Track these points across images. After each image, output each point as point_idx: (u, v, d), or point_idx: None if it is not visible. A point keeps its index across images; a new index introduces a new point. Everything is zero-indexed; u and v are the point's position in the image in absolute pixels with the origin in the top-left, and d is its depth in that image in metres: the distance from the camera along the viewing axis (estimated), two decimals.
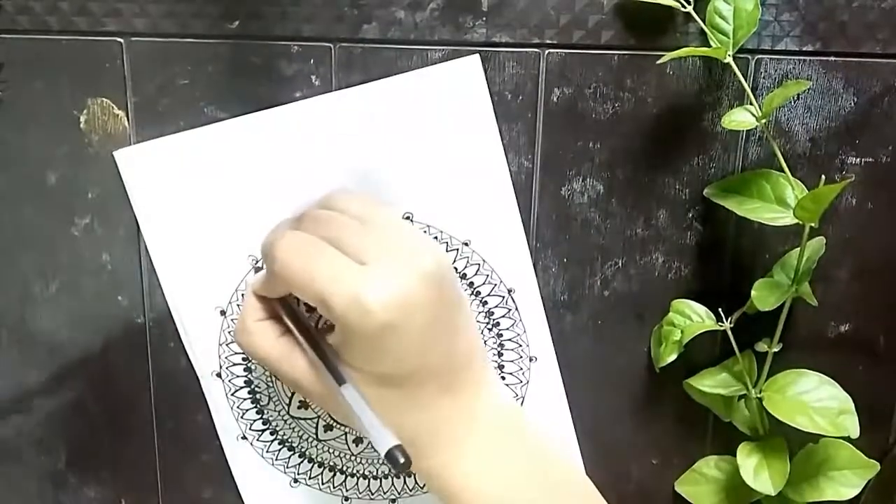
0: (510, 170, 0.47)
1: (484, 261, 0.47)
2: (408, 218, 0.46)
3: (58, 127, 0.47)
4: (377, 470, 0.51)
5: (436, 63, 0.45)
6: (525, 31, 0.45)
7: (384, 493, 0.51)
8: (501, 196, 0.46)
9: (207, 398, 0.49)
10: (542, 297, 0.48)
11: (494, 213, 0.46)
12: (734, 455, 0.47)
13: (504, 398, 0.45)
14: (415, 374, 0.40)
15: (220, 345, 0.48)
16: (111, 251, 0.49)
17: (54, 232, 0.49)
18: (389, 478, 0.51)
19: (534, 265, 0.48)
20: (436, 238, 0.46)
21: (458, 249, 0.47)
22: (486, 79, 0.45)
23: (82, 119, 0.47)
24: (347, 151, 0.45)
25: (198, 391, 0.49)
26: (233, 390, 0.49)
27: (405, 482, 0.51)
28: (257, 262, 0.46)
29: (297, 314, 0.42)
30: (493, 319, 0.48)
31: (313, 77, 0.46)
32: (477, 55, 0.45)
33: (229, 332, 0.47)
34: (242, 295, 0.47)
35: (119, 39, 0.46)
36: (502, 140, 0.46)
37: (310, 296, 0.38)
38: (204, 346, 0.48)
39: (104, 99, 0.46)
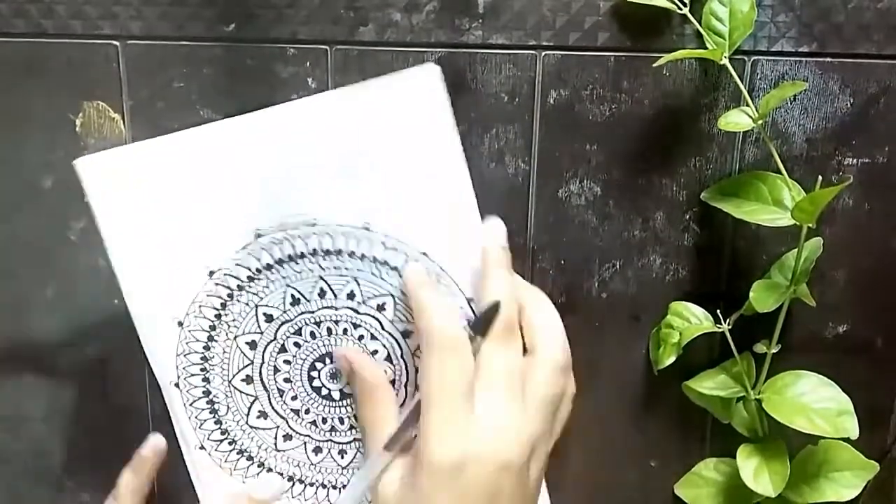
0: (507, 172, 0.47)
1: (443, 270, 0.46)
2: (366, 228, 0.45)
3: (53, 130, 0.47)
4: (336, 480, 0.50)
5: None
6: (521, 33, 0.45)
7: None
8: (462, 205, 0.45)
9: (168, 408, 0.49)
10: None
11: (454, 223, 0.45)
12: (733, 457, 0.47)
13: None
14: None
15: (178, 355, 0.47)
16: (107, 255, 0.49)
17: (50, 236, 0.48)
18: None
19: (531, 267, 0.48)
20: (395, 249, 0.45)
21: (417, 260, 0.46)
22: (482, 81, 0.45)
23: (78, 122, 0.47)
24: (305, 162, 0.44)
25: None
26: (191, 401, 0.48)
27: (364, 495, 0.51)
28: (212, 273, 0.46)
29: None
30: None
31: (309, 79, 0.46)
32: (437, 66, 0.42)
33: (187, 344, 0.47)
34: (200, 307, 0.46)
35: (115, 42, 0.46)
36: (499, 142, 0.46)
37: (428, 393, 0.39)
38: (162, 356, 0.48)
39: (100, 102, 0.46)
